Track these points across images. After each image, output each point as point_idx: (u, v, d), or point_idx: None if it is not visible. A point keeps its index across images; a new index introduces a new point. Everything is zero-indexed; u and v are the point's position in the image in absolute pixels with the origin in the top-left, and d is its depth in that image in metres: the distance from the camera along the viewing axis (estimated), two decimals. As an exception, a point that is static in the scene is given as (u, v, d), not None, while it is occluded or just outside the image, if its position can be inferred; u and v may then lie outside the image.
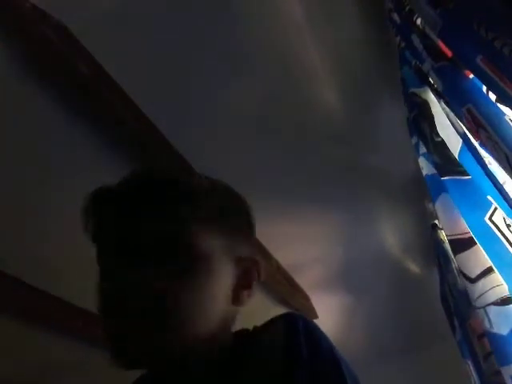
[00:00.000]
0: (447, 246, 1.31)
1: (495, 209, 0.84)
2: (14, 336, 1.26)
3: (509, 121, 0.68)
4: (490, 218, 0.84)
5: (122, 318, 0.42)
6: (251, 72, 1.10)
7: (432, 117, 1.01)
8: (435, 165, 0.98)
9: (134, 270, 0.43)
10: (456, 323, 1.22)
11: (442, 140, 0.98)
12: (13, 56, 0.84)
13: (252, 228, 0.54)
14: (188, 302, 0.42)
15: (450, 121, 0.95)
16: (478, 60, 0.69)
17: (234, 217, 0.50)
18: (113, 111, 0.95)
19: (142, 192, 0.44)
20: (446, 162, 0.96)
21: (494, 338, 0.79)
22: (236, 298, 0.47)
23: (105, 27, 0.89)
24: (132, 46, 0.94)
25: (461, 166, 0.93)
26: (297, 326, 0.41)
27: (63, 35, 0.82)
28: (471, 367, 1.15)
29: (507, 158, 0.64)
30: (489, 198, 0.86)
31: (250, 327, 0.53)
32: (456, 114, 0.87)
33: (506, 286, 0.80)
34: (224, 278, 0.46)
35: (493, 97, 0.75)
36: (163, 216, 0.43)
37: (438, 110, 1.00)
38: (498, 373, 0.89)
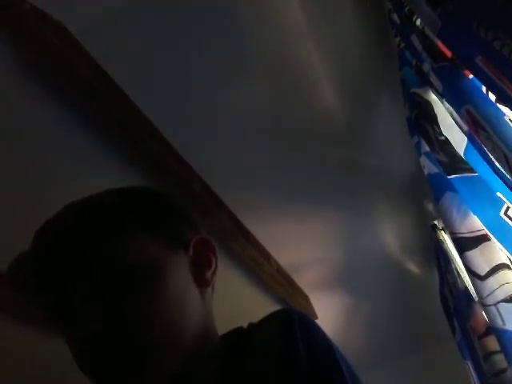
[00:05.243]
0: (447, 246, 1.31)
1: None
2: (14, 336, 1.26)
3: (508, 121, 0.68)
4: (506, 213, 0.84)
5: (112, 357, 0.42)
6: (251, 73, 1.10)
7: (435, 116, 1.01)
8: (441, 164, 0.97)
9: (99, 309, 0.43)
10: (456, 323, 1.22)
11: (447, 139, 0.97)
12: (13, 56, 0.84)
13: (183, 214, 0.53)
14: (162, 312, 0.43)
15: (454, 119, 0.94)
16: (478, 60, 0.69)
17: (164, 215, 0.50)
18: (112, 112, 0.95)
19: (68, 233, 0.46)
20: (452, 161, 0.95)
21: (505, 335, 0.78)
22: (200, 280, 0.48)
23: (105, 27, 0.89)
24: (132, 47, 0.94)
25: (468, 164, 0.93)
26: (293, 322, 0.40)
27: (63, 35, 0.82)
28: (471, 368, 1.14)
29: (506, 158, 0.64)
30: (498, 194, 0.85)
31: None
32: (458, 114, 0.86)
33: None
34: (179, 272, 0.47)
35: (492, 97, 0.74)
36: (97, 251, 0.44)
37: (441, 110, 1.00)
38: (499, 373, 0.89)
